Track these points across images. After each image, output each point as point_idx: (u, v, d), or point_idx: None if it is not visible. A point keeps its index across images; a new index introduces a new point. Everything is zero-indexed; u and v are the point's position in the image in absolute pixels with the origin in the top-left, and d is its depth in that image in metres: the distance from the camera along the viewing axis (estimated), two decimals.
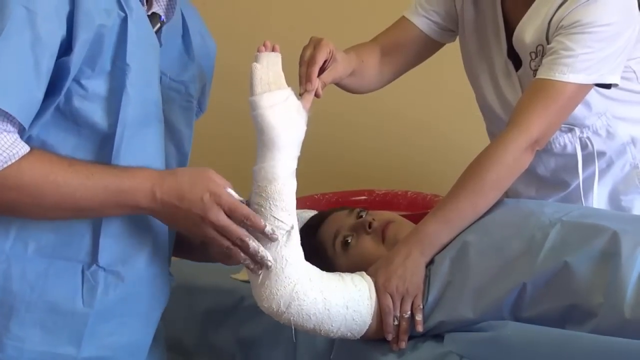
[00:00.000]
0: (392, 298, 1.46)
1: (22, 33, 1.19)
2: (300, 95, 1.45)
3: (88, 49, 1.25)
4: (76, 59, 1.24)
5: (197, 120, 1.57)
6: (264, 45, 1.42)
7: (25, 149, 1.22)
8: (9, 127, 1.21)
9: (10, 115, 1.20)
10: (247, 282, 1.82)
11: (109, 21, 1.26)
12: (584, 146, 1.76)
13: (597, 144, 1.75)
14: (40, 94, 1.23)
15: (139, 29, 1.31)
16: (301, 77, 1.49)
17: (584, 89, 1.59)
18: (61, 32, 1.22)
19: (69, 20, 1.23)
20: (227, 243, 1.34)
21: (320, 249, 1.59)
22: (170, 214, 1.32)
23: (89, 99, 1.27)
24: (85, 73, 1.26)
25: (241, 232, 1.34)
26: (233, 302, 1.81)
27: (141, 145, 1.33)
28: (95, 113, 1.28)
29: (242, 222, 1.34)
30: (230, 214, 1.33)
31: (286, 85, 1.42)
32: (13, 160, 1.21)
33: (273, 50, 1.43)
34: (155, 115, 1.36)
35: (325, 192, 2.22)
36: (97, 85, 1.28)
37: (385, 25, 1.85)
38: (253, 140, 1.43)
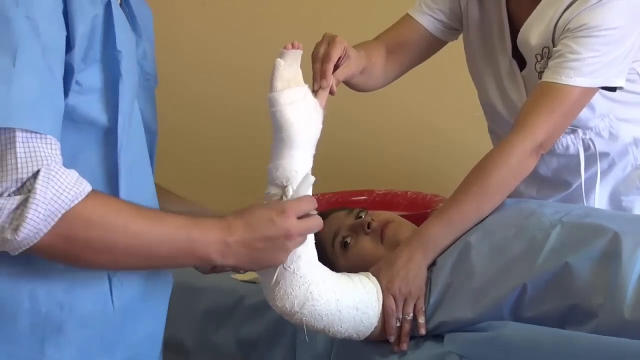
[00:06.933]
0: (395, 300, 1.46)
1: (31, 46, 1.12)
2: (314, 92, 1.43)
3: (86, 44, 1.18)
4: (77, 56, 1.17)
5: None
6: (292, 44, 1.38)
7: (89, 187, 1.14)
8: (59, 156, 1.13)
9: (48, 137, 1.12)
10: (247, 282, 1.84)
11: (99, 9, 1.20)
12: (586, 147, 1.75)
13: (600, 146, 1.75)
14: (62, 103, 1.16)
15: (118, 12, 1.23)
16: (316, 74, 1.46)
17: (590, 92, 1.59)
18: (63, 32, 1.16)
19: (65, 18, 1.16)
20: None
21: (320, 250, 1.58)
22: (248, 253, 1.25)
23: (84, 94, 1.19)
24: (79, 67, 1.18)
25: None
26: (233, 302, 1.80)
27: (133, 136, 1.27)
28: (93, 107, 1.20)
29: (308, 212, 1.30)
30: (300, 215, 1.28)
31: (304, 83, 1.40)
32: (80, 199, 1.12)
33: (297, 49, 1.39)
34: (136, 100, 1.29)
35: (326, 193, 2.22)
36: (91, 77, 1.20)
37: (388, 23, 1.84)
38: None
